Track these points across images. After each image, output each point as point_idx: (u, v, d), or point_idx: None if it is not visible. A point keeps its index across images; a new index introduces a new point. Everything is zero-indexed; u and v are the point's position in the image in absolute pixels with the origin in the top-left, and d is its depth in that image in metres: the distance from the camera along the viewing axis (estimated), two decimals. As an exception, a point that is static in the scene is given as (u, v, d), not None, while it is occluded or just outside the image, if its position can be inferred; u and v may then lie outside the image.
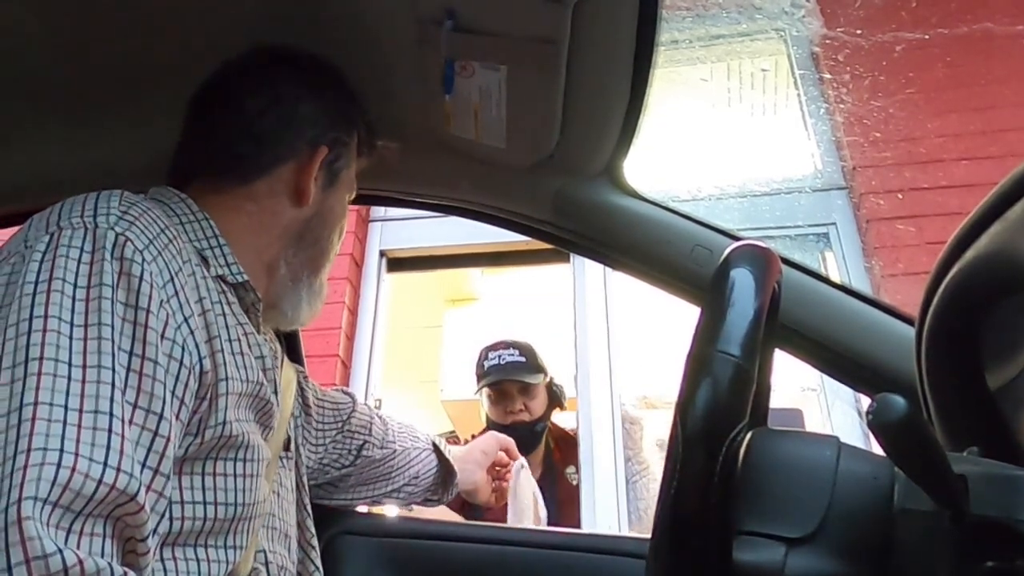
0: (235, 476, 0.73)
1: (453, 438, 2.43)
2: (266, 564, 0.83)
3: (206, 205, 0.81)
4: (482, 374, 2.43)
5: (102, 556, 0.55)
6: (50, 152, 1.12)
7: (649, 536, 0.49)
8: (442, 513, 2.23)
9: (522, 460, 1.44)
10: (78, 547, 0.54)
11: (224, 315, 0.75)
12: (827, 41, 3.10)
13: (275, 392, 0.82)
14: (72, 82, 1.00)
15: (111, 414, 0.58)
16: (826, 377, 1.12)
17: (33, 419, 0.55)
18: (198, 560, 0.70)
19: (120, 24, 0.92)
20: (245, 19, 0.92)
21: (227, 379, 0.71)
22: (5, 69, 0.97)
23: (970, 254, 0.52)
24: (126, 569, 0.56)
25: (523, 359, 2.40)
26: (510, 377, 2.37)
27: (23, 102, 1.03)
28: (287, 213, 0.86)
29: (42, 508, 0.52)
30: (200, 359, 0.68)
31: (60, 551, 0.52)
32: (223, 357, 0.72)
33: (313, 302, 0.91)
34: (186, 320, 0.68)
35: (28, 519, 0.51)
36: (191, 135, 0.88)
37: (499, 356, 2.41)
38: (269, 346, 0.88)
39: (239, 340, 0.76)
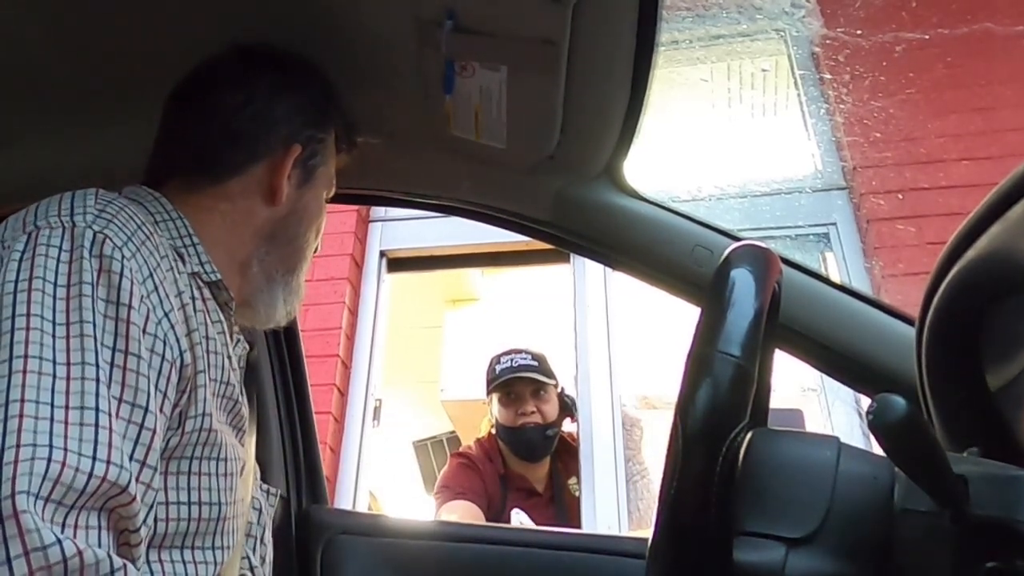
0: (216, 475, 0.73)
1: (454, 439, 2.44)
2: (251, 569, 0.85)
3: (180, 204, 0.80)
4: (493, 378, 2.41)
5: (99, 547, 0.56)
6: (50, 152, 1.12)
7: (649, 536, 0.49)
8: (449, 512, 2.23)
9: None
10: (75, 540, 0.54)
11: (202, 311, 0.76)
12: (827, 41, 3.10)
13: (243, 394, 0.82)
14: (72, 82, 1.00)
15: (97, 409, 0.58)
16: (826, 377, 1.12)
17: (20, 416, 0.55)
18: (184, 563, 0.71)
19: (120, 24, 0.92)
20: (244, 20, 0.92)
21: (205, 370, 0.72)
22: (5, 69, 0.97)
23: (970, 254, 0.52)
24: (125, 561, 0.56)
25: (535, 363, 2.40)
26: (522, 374, 2.37)
27: (22, 102, 1.03)
28: (261, 213, 0.86)
29: (35, 503, 0.53)
30: (181, 352, 0.69)
31: (59, 542, 0.52)
32: (201, 351, 0.72)
33: (290, 301, 0.90)
34: (166, 315, 0.68)
35: (25, 512, 0.51)
36: (165, 135, 0.88)
37: (511, 360, 2.41)
38: (242, 346, 0.89)
39: (214, 339, 0.76)
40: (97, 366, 0.60)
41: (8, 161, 1.12)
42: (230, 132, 0.85)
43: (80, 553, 0.53)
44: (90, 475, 0.56)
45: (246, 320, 0.90)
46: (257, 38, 0.90)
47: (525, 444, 2.36)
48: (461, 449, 2.62)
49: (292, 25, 0.92)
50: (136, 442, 0.61)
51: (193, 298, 0.75)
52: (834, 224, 2.93)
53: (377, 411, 3.01)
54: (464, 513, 2.22)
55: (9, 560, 0.50)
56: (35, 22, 0.91)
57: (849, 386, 1.01)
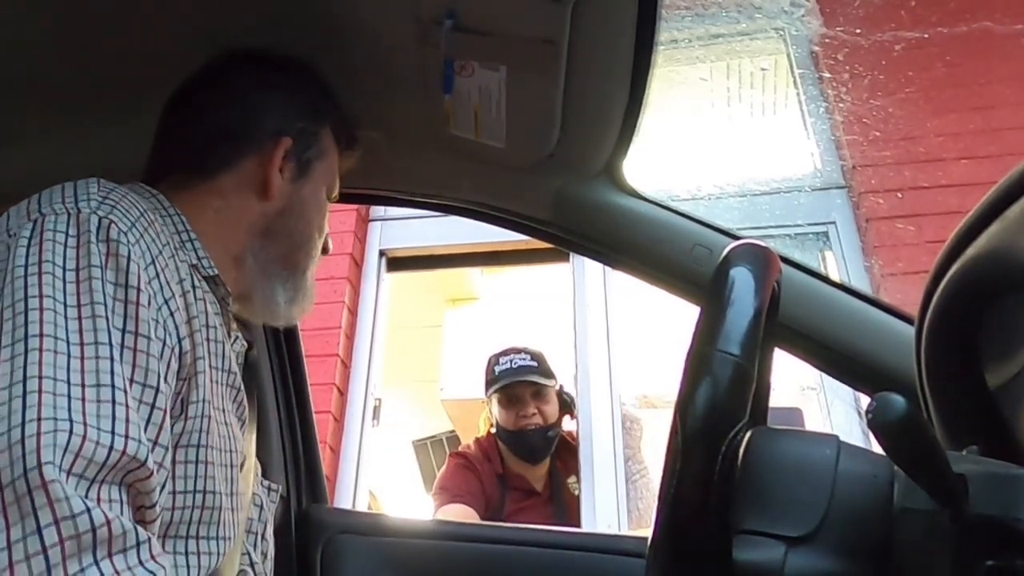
0: (215, 465, 0.74)
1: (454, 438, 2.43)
2: (251, 565, 0.85)
3: (176, 201, 0.81)
4: (492, 379, 2.39)
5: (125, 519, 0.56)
6: (50, 152, 1.11)
7: (649, 535, 0.49)
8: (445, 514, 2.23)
9: None
10: (103, 508, 0.54)
11: (202, 300, 0.76)
12: (826, 40, 3.10)
13: (244, 386, 0.83)
14: (72, 82, 1.00)
15: (113, 386, 0.59)
16: (826, 376, 1.12)
17: (39, 391, 0.55)
18: (187, 553, 0.71)
19: (120, 24, 0.92)
20: (244, 20, 0.92)
21: (205, 357, 0.73)
22: (5, 69, 0.97)
23: (970, 253, 0.52)
24: (149, 535, 0.57)
25: (535, 363, 2.38)
26: (523, 378, 2.34)
27: (22, 102, 1.03)
28: (254, 207, 0.85)
29: (59, 474, 0.53)
30: (180, 340, 0.69)
31: (88, 510, 0.52)
32: (201, 338, 0.73)
33: (295, 299, 0.89)
34: (166, 301, 0.69)
35: (54, 481, 0.52)
36: (161, 135, 0.89)
37: (510, 360, 2.38)
38: (240, 343, 0.89)
39: (215, 327, 0.77)
40: (110, 345, 0.61)
41: (8, 161, 1.12)
42: (219, 127, 0.85)
43: (109, 523, 0.53)
44: (111, 448, 0.56)
45: (245, 313, 0.90)
46: (257, 38, 0.90)
47: (526, 446, 2.35)
48: (459, 449, 2.61)
49: (292, 25, 0.92)
50: (148, 421, 0.62)
51: (194, 286, 0.75)
52: (833, 223, 2.93)
53: (377, 410, 3.01)
54: (460, 516, 2.21)
55: (39, 529, 0.50)
56: (35, 22, 0.91)
57: (848, 385, 1.01)
